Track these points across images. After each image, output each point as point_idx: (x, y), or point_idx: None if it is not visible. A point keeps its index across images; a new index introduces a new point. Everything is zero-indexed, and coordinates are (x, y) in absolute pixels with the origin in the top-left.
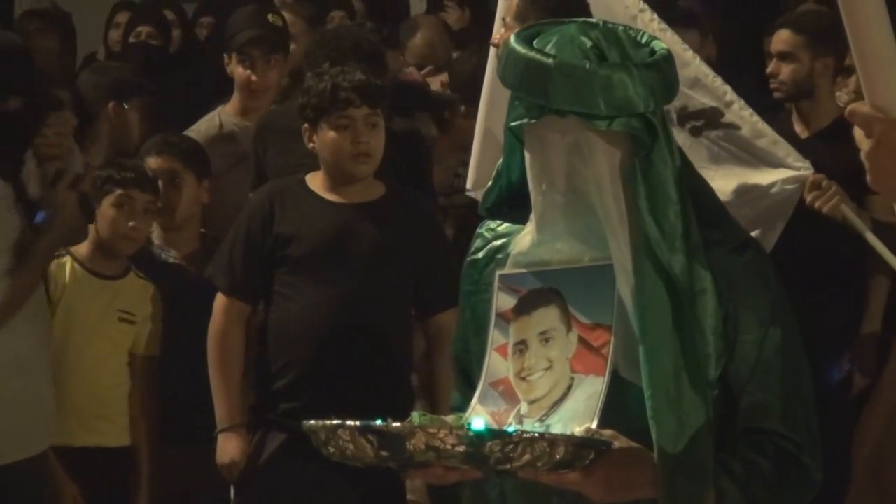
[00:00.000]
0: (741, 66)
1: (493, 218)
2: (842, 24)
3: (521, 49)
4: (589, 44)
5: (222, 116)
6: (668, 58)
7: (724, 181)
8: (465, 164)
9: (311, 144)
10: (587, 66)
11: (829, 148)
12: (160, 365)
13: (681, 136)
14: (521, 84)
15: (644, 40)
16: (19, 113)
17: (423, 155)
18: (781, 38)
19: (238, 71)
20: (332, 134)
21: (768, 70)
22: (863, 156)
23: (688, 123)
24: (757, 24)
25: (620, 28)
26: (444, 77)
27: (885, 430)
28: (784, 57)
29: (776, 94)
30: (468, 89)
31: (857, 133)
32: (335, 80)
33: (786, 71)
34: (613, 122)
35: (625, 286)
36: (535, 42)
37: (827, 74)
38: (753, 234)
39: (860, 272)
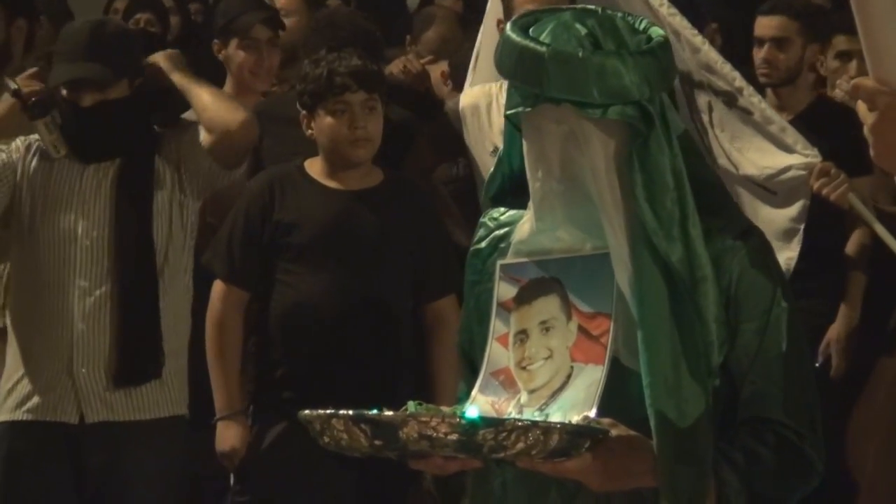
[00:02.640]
0: (729, 52)
1: (497, 206)
2: (828, 10)
3: (515, 37)
4: (584, 31)
5: None
6: (665, 45)
7: (757, 154)
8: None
9: (310, 131)
10: (580, 54)
11: (807, 132)
12: None
13: (719, 105)
14: (516, 72)
15: (642, 27)
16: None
17: (419, 143)
18: (775, 24)
19: (239, 56)
20: (329, 120)
21: (763, 55)
22: (866, 130)
23: (720, 96)
24: (745, 10)
25: (619, 15)
26: (444, 66)
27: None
28: (779, 43)
29: (764, 80)
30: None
31: (861, 107)
32: (331, 65)
33: (781, 57)
34: (608, 110)
35: (622, 275)
36: (531, 30)
37: (810, 61)
38: (786, 210)
39: (839, 259)
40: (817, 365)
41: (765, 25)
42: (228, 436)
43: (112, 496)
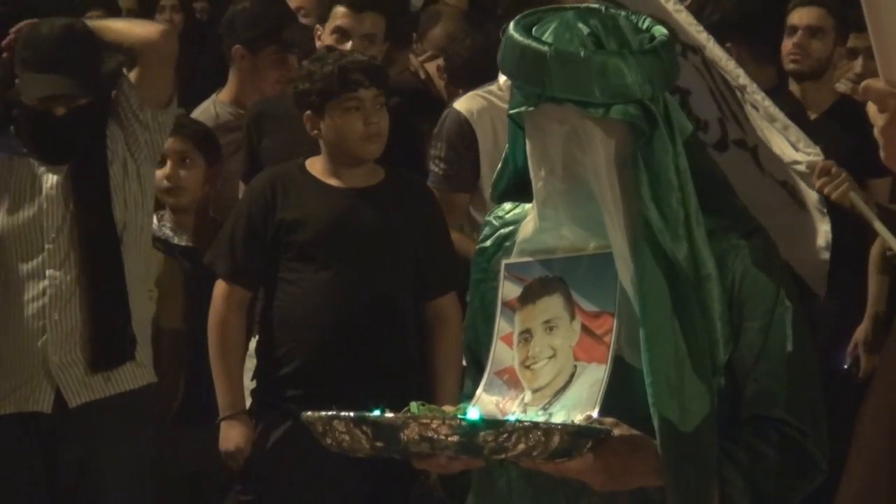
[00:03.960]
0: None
1: (503, 203)
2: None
3: (518, 37)
4: (586, 31)
5: (217, 106)
6: (667, 44)
7: (777, 138)
8: None
9: (315, 131)
10: (582, 53)
11: (829, 131)
12: None
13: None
14: (518, 72)
15: (645, 26)
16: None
17: (418, 141)
18: (813, 14)
19: (273, 65)
20: (342, 117)
21: (795, 41)
22: (876, 132)
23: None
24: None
25: (622, 14)
26: (440, 61)
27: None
28: (813, 32)
29: (793, 66)
30: (463, 73)
31: (871, 109)
32: (340, 62)
33: (816, 46)
34: (610, 109)
35: (624, 273)
36: (533, 29)
37: (836, 62)
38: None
39: (864, 259)
40: (845, 367)
41: (801, 15)
42: (232, 435)
43: (87, 489)
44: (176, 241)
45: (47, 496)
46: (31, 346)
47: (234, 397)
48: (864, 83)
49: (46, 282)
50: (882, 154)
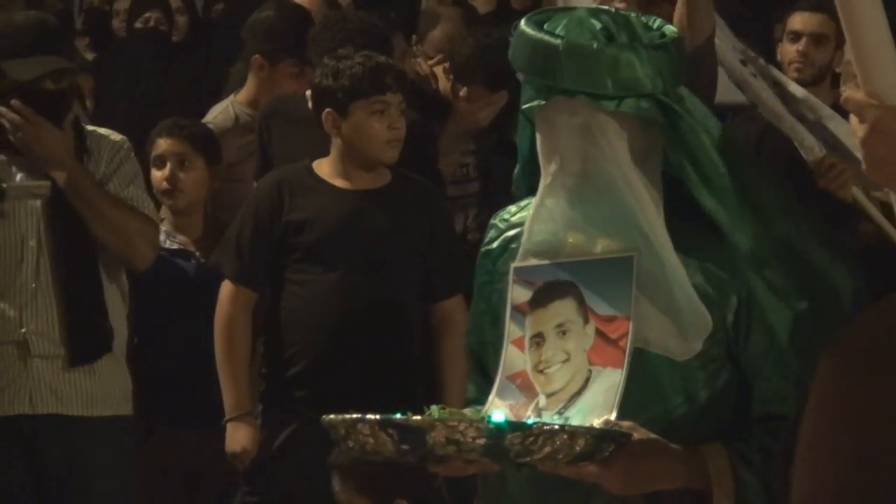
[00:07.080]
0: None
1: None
2: None
3: (530, 31)
4: (598, 26)
5: (235, 107)
6: (678, 41)
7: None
8: (471, 153)
9: (334, 130)
10: (594, 46)
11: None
12: (167, 347)
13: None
14: (530, 65)
15: (655, 25)
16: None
17: (430, 144)
18: (817, 21)
19: (292, 76)
20: (367, 119)
21: (801, 48)
22: (858, 143)
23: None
24: (765, 9)
25: (633, 14)
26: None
27: None
28: (818, 39)
29: (796, 75)
30: (467, 71)
31: (853, 120)
32: (369, 63)
33: (819, 55)
34: (622, 102)
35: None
36: (545, 25)
37: (834, 65)
38: None
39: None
40: None
41: (805, 21)
42: (239, 437)
43: (73, 488)
44: (168, 244)
45: (32, 497)
46: (10, 351)
47: (240, 398)
48: (844, 94)
49: (27, 289)
50: (863, 164)
